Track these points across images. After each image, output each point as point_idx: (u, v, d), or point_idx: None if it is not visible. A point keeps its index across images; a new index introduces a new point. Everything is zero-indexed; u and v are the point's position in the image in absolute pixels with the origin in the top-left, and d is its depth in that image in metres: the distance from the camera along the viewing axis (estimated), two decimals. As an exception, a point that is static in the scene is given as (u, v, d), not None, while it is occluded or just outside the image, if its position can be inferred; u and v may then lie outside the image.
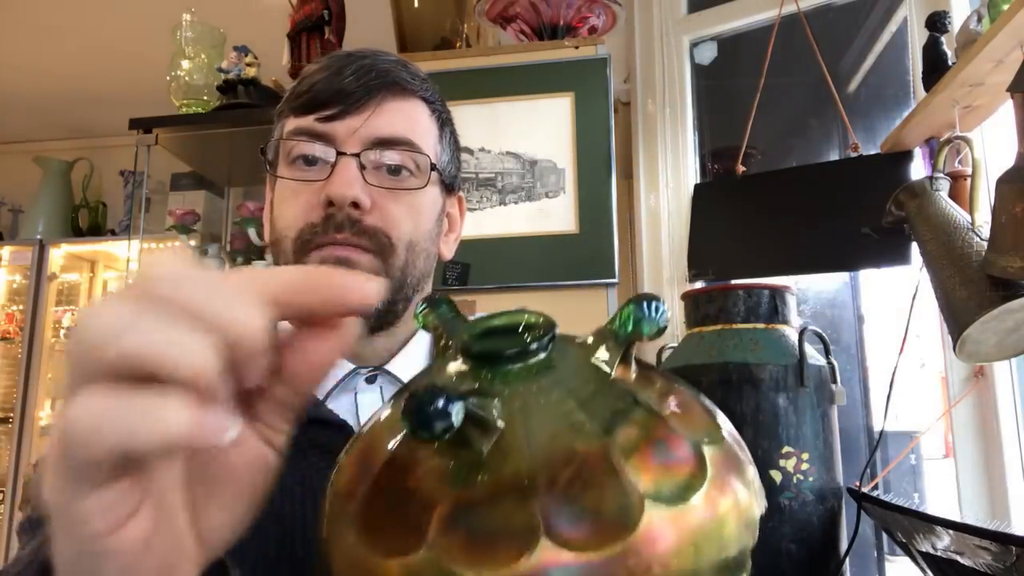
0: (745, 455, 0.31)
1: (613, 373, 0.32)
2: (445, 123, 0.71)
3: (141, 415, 0.23)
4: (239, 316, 0.25)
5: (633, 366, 0.33)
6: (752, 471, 0.30)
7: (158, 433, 0.23)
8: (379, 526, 0.28)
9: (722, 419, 0.33)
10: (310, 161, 0.63)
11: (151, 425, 0.23)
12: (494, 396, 0.30)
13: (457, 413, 0.26)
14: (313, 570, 0.32)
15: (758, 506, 0.30)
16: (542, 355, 0.32)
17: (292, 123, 0.65)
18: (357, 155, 0.62)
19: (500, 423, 0.28)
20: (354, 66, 0.63)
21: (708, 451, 0.29)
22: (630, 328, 0.32)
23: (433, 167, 0.66)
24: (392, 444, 0.30)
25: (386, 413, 0.34)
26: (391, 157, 0.63)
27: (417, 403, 0.26)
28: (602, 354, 0.32)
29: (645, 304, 0.32)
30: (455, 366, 0.33)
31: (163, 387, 0.24)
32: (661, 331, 0.32)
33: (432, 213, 0.68)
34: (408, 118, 0.65)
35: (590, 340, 0.34)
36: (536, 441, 0.28)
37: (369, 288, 0.28)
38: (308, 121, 0.63)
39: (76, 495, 0.25)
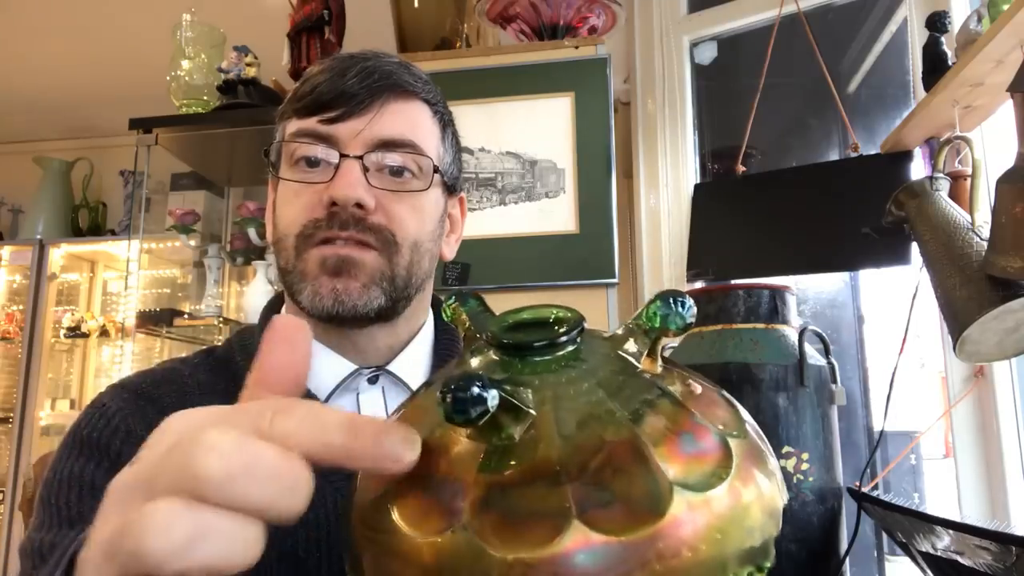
0: (767, 448, 0.32)
1: (640, 366, 0.33)
2: (447, 125, 0.71)
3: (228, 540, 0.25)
4: (284, 502, 0.26)
5: (659, 360, 0.34)
6: (774, 463, 0.31)
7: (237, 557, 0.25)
8: (413, 508, 0.29)
9: (744, 413, 0.33)
10: (312, 163, 0.63)
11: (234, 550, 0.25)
12: (526, 386, 0.30)
13: (492, 399, 0.27)
14: (344, 555, 0.33)
15: (781, 497, 0.30)
16: (571, 347, 0.33)
17: (295, 125, 0.65)
18: (360, 157, 0.62)
19: (532, 411, 0.29)
20: (357, 68, 0.63)
21: (733, 443, 0.29)
22: (657, 323, 0.33)
23: (436, 169, 0.66)
24: (425, 429, 0.31)
25: (417, 400, 0.34)
26: (394, 159, 0.64)
27: (454, 389, 0.26)
28: (630, 347, 0.33)
29: (672, 299, 0.33)
30: (485, 358, 0.34)
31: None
32: (688, 327, 0.32)
33: (435, 214, 0.68)
34: (411, 120, 0.66)
35: (619, 332, 0.34)
36: (567, 428, 0.28)
37: (405, 459, 0.28)
38: (311, 123, 0.63)
39: None
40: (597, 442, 0.28)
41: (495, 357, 0.34)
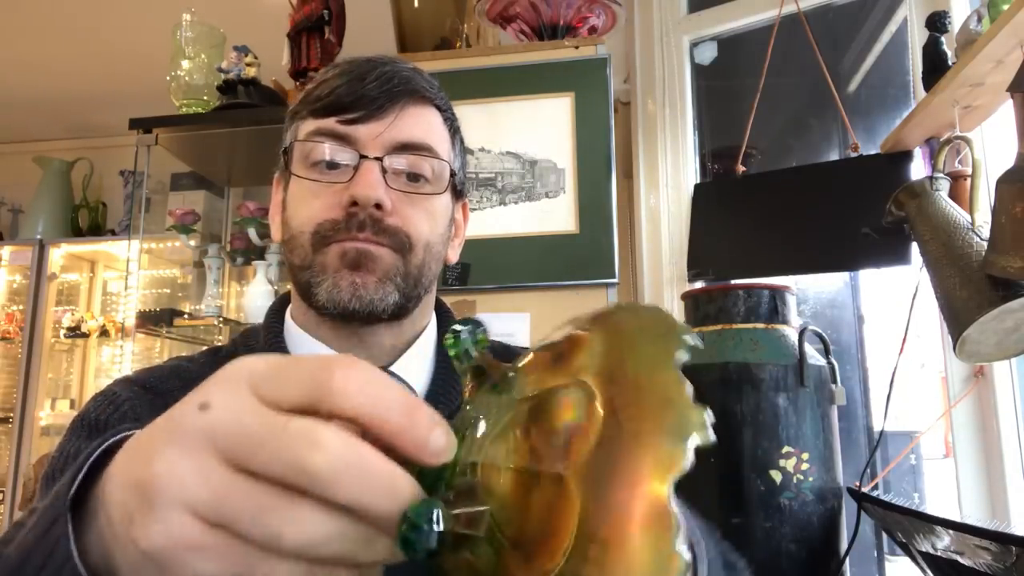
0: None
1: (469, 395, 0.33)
2: (456, 131, 0.72)
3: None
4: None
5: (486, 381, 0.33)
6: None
7: None
8: None
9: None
10: (330, 163, 0.64)
11: None
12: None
13: (438, 529, 0.27)
14: None
15: None
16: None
17: (312, 124, 0.66)
18: (380, 159, 0.63)
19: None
20: (376, 72, 0.65)
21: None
22: (454, 356, 0.33)
23: (453, 174, 0.69)
24: None
25: None
26: (413, 162, 0.65)
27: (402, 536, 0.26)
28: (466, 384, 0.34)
29: (454, 333, 0.33)
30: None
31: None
32: (469, 355, 0.32)
33: (445, 218, 0.70)
34: (427, 125, 0.67)
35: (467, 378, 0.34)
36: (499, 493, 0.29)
37: (443, 456, 0.29)
38: (330, 123, 0.64)
39: None
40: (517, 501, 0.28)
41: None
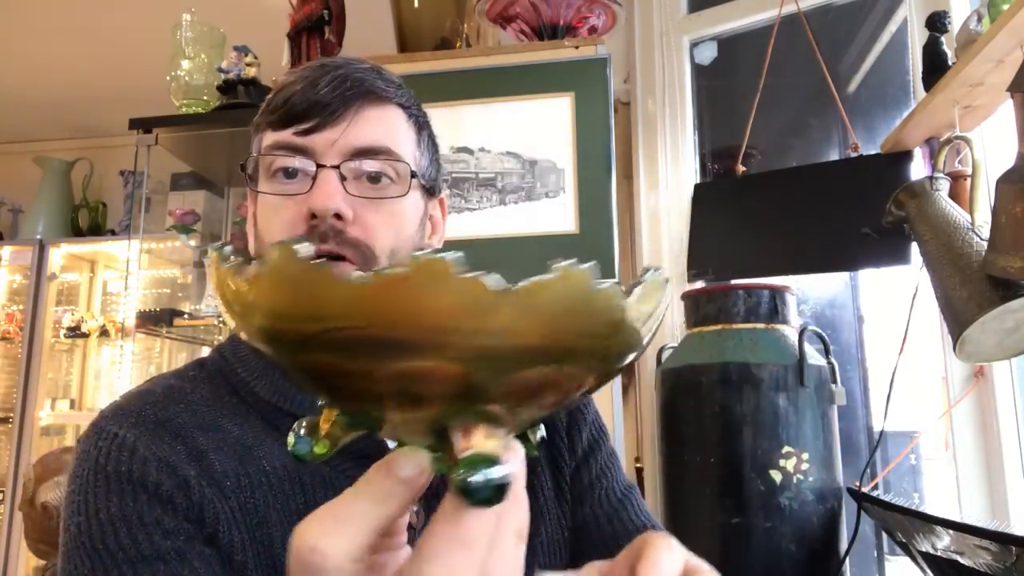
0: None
1: None
2: (422, 127, 0.71)
3: None
4: None
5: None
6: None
7: None
8: None
9: None
10: (290, 174, 0.63)
11: None
12: None
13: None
14: None
15: None
16: None
17: (270, 137, 0.65)
18: (337, 167, 0.62)
19: None
20: (328, 77, 0.63)
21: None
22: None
23: (413, 174, 0.66)
24: None
25: None
26: (371, 166, 0.64)
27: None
28: None
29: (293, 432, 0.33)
30: None
31: None
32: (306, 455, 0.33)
33: (414, 219, 0.68)
34: (386, 126, 0.65)
35: None
36: None
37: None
38: (286, 135, 0.63)
39: None
40: None
41: None
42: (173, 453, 0.57)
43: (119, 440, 0.57)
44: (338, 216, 0.61)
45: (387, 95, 0.66)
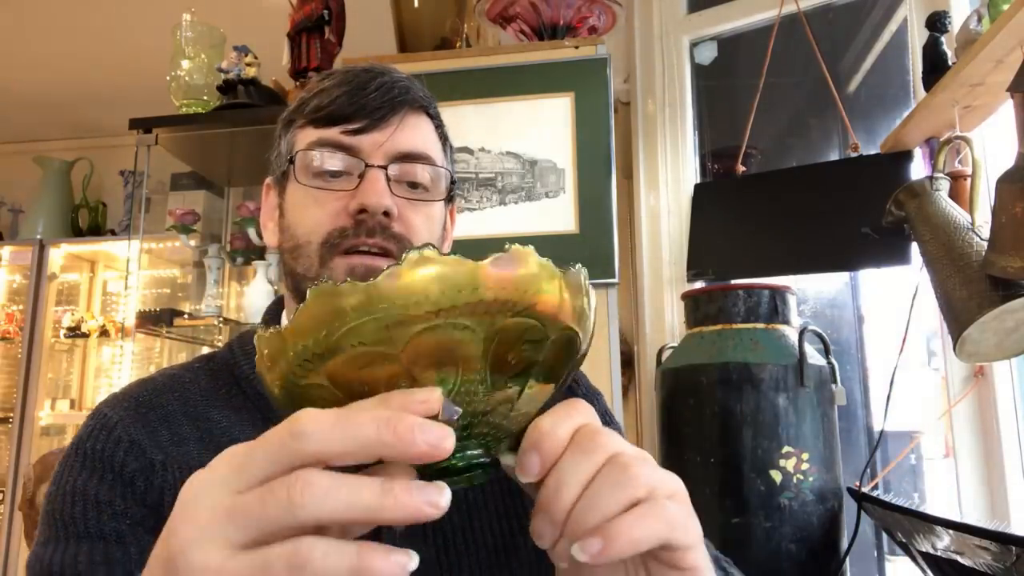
0: None
1: None
2: (445, 138, 0.74)
3: None
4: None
5: None
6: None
7: None
8: None
9: None
10: (333, 172, 0.66)
11: None
12: None
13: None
14: None
15: None
16: None
17: (314, 134, 0.67)
18: (384, 167, 0.65)
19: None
20: (376, 83, 0.66)
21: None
22: None
23: (453, 181, 0.71)
24: None
25: None
26: (416, 171, 0.67)
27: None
28: None
29: None
30: None
31: None
32: None
33: (440, 223, 0.72)
34: (424, 134, 0.69)
35: None
36: None
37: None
38: (333, 133, 0.66)
39: None
40: None
41: None
42: (149, 437, 0.60)
43: (104, 420, 0.61)
44: (386, 213, 0.64)
45: (424, 105, 0.70)
